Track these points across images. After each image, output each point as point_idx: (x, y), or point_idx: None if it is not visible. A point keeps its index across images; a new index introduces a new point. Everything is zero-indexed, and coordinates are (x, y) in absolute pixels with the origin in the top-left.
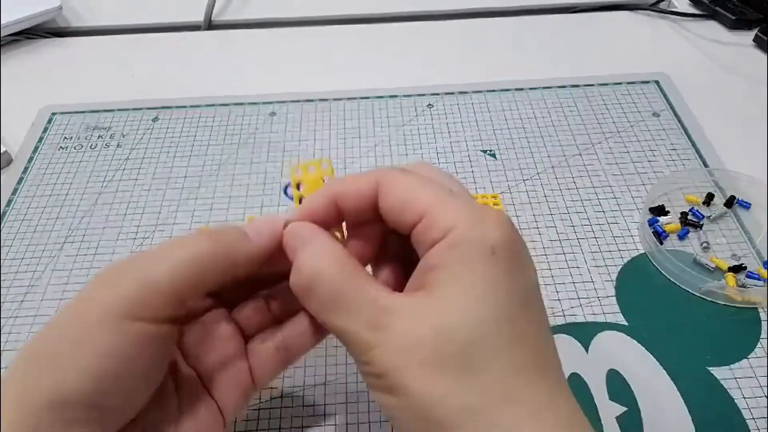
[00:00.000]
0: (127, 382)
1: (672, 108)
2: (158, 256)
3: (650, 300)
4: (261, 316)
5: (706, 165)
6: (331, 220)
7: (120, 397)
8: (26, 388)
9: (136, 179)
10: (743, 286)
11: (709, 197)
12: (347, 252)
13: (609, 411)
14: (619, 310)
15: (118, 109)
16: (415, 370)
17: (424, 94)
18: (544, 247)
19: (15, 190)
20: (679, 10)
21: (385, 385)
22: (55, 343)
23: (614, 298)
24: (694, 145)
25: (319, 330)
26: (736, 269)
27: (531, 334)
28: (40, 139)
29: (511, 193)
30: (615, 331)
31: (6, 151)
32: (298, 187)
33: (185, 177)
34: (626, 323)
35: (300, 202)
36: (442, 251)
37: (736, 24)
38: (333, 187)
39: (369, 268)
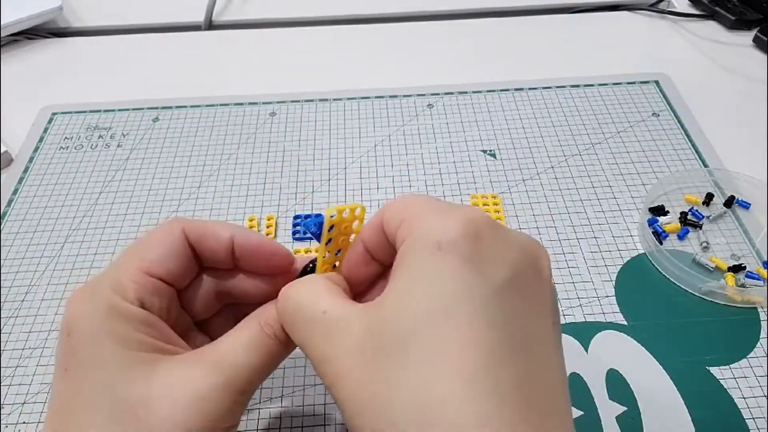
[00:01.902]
0: None
1: (671, 108)
2: (230, 350)
3: (650, 300)
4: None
5: (705, 165)
6: (366, 262)
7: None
8: None
9: (137, 179)
10: (743, 286)
11: (709, 197)
12: (329, 281)
13: (609, 410)
14: (619, 310)
15: (119, 109)
16: (349, 375)
17: (424, 94)
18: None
19: (15, 190)
20: (679, 10)
21: (334, 397)
22: None
23: (614, 297)
24: (693, 145)
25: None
26: (736, 269)
27: (490, 341)
28: (41, 139)
29: (510, 193)
30: (615, 331)
31: (6, 151)
32: (330, 229)
33: (185, 177)
34: (626, 323)
35: (327, 243)
36: (399, 253)
37: (736, 24)
38: (361, 232)
39: None
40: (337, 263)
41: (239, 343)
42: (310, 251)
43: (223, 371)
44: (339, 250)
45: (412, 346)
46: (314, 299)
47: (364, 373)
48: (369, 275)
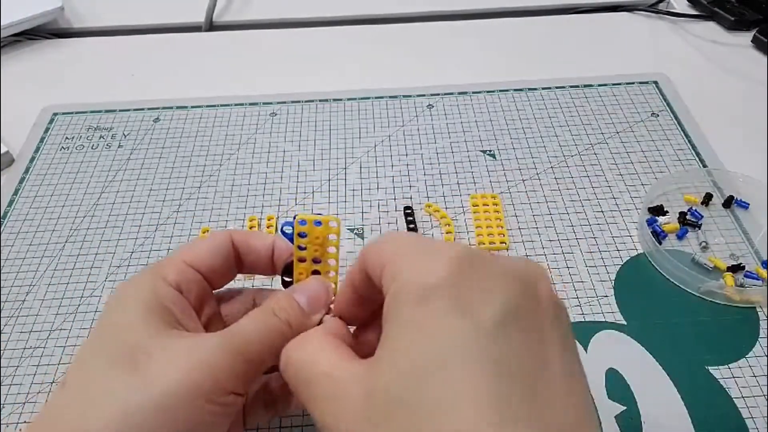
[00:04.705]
0: None
1: (671, 108)
2: (244, 333)
3: (649, 300)
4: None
5: (704, 165)
6: (356, 302)
7: None
8: None
9: (138, 179)
10: (742, 285)
11: (708, 197)
12: (328, 335)
13: (608, 410)
14: (618, 310)
15: (120, 110)
16: None
17: (424, 94)
18: (543, 247)
19: (16, 191)
20: (678, 11)
21: None
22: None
23: (613, 297)
24: (692, 145)
25: None
26: (735, 269)
27: (494, 387)
28: (42, 140)
29: (510, 193)
30: (614, 331)
31: (7, 152)
32: (300, 235)
33: (186, 177)
34: (625, 323)
35: (299, 248)
36: (386, 305)
37: (735, 25)
38: (347, 275)
39: None
40: (319, 270)
41: (250, 319)
42: (272, 219)
43: (230, 336)
44: (319, 260)
45: (416, 407)
46: (313, 360)
47: None
48: (365, 313)
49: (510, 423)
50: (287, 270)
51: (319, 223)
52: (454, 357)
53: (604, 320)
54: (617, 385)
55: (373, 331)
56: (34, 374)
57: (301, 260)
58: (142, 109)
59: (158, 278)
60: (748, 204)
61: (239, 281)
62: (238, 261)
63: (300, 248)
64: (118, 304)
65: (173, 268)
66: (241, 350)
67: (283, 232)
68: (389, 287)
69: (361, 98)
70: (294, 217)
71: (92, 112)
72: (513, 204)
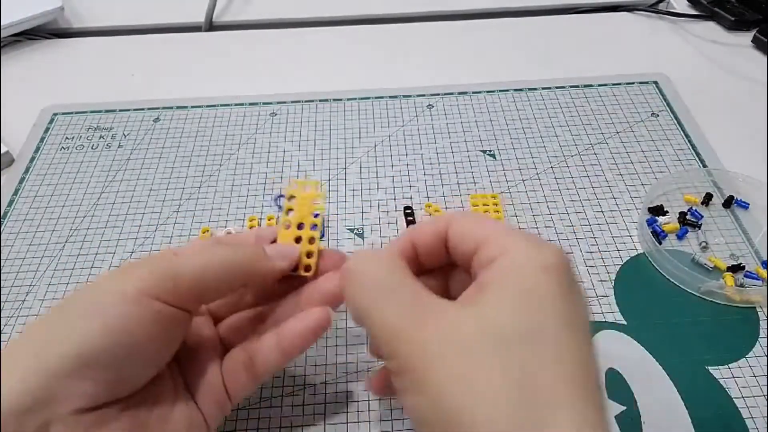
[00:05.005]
0: (139, 352)
1: (671, 108)
2: (187, 253)
3: (649, 299)
4: (242, 335)
5: (704, 165)
6: (409, 258)
7: (130, 366)
8: (45, 343)
9: (138, 179)
10: (742, 285)
11: (708, 197)
12: (401, 260)
13: (608, 410)
14: (618, 310)
15: (120, 110)
16: (450, 366)
17: (424, 95)
18: None
19: (16, 191)
20: (678, 11)
21: (411, 381)
22: (79, 305)
23: (613, 297)
24: (692, 145)
25: (287, 350)
26: (735, 269)
27: (579, 361)
28: (42, 140)
29: (510, 193)
30: (614, 331)
31: (7, 152)
32: (290, 199)
33: (186, 177)
34: (625, 322)
35: (288, 213)
36: (494, 269)
37: (735, 25)
38: (412, 232)
39: None
40: (301, 237)
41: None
42: (273, 219)
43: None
44: (302, 225)
45: (525, 350)
46: (401, 272)
47: (469, 367)
48: None
49: (594, 401)
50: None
51: (308, 188)
52: (565, 325)
53: (604, 320)
54: (617, 385)
55: None
56: None
57: (287, 227)
58: (142, 109)
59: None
60: (748, 204)
61: None
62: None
63: (287, 212)
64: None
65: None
66: (171, 269)
67: (278, 206)
68: (495, 258)
69: (361, 98)
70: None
71: (92, 112)
72: (513, 204)
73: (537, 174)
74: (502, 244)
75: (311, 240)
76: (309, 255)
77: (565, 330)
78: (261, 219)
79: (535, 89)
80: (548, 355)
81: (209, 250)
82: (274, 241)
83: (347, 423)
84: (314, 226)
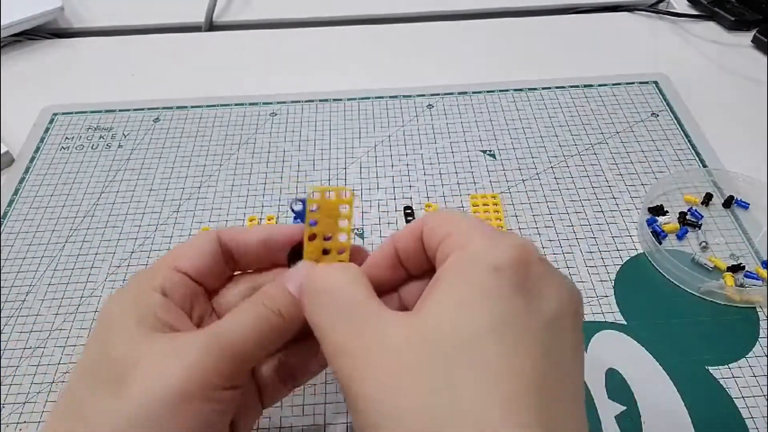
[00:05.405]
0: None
1: (671, 108)
2: (227, 323)
3: (649, 299)
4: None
5: (704, 165)
6: (393, 265)
7: None
8: None
9: (138, 180)
10: (742, 285)
11: (708, 197)
12: (362, 275)
13: (608, 410)
14: (618, 310)
15: (120, 110)
16: (374, 375)
17: (424, 95)
18: (543, 247)
19: (16, 191)
20: (678, 10)
21: (349, 398)
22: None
23: (613, 297)
24: (692, 145)
25: (323, 361)
26: (735, 269)
27: (537, 371)
28: (42, 140)
29: (510, 193)
30: (614, 331)
31: (7, 152)
32: (313, 207)
33: (186, 177)
34: (625, 322)
35: (311, 223)
36: (445, 268)
37: (735, 25)
38: (393, 236)
39: None
40: (329, 249)
41: (238, 311)
42: (273, 219)
43: (215, 332)
44: (329, 237)
45: (461, 360)
46: (351, 286)
47: (406, 377)
48: (392, 279)
49: (538, 409)
50: (294, 256)
51: (331, 194)
52: (510, 330)
53: (604, 320)
54: (617, 385)
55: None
56: (34, 374)
57: (311, 238)
58: (142, 109)
59: (141, 285)
60: (748, 204)
61: None
62: (230, 259)
63: (311, 224)
64: (105, 318)
65: (156, 274)
66: (227, 345)
67: (292, 210)
68: (451, 252)
69: (361, 98)
70: (300, 201)
71: (92, 112)
72: (513, 204)
73: (537, 174)
74: (457, 241)
75: (341, 250)
76: None
77: (506, 335)
78: (261, 219)
79: (535, 89)
80: (478, 365)
81: (251, 312)
82: (293, 248)
83: (347, 423)
84: (343, 236)
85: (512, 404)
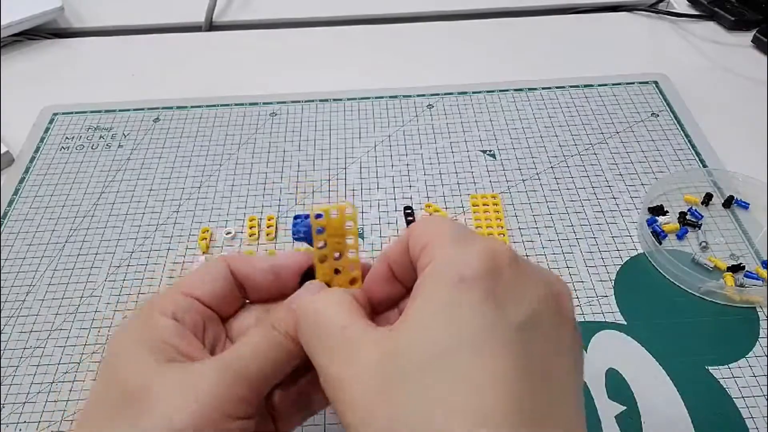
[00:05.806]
0: None
1: (671, 108)
2: (239, 352)
3: (649, 299)
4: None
5: (704, 165)
6: (388, 281)
7: None
8: None
9: (138, 179)
10: (742, 285)
11: (708, 197)
12: (352, 298)
13: (608, 410)
14: (618, 310)
15: (120, 110)
16: (361, 399)
17: (424, 94)
18: (543, 247)
19: (16, 191)
20: (678, 11)
21: (342, 422)
22: None
23: (613, 297)
24: (692, 145)
25: None
26: (735, 269)
27: (509, 380)
28: (42, 140)
29: (510, 193)
30: (614, 331)
31: (7, 152)
32: (318, 231)
33: (186, 177)
34: (625, 322)
35: (320, 246)
36: (419, 281)
37: (735, 25)
38: (385, 250)
39: None
40: (339, 268)
41: (249, 337)
42: (273, 219)
43: (227, 360)
44: (339, 255)
45: (429, 378)
46: (334, 314)
47: (376, 400)
48: (391, 295)
49: (511, 419)
50: (306, 280)
51: (335, 213)
52: (478, 341)
53: (604, 320)
54: (617, 385)
55: (390, 316)
56: (34, 374)
57: (322, 260)
58: (142, 109)
59: (152, 313)
60: (748, 204)
61: None
62: (241, 287)
63: (320, 247)
64: (116, 347)
65: (167, 300)
66: (240, 372)
67: (294, 232)
68: (425, 265)
69: (361, 98)
70: (296, 218)
71: (92, 112)
72: (513, 204)
73: (537, 174)
74: (431, 252)
75: (352, 266)
76: (353, 281)
77: (475, 347)
78: (261, 219)
79: (535, 89)
80: (449, 380)
81: (262, 337)
82: (306, 272)
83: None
84: (352, 252)
85: (485, 416)
